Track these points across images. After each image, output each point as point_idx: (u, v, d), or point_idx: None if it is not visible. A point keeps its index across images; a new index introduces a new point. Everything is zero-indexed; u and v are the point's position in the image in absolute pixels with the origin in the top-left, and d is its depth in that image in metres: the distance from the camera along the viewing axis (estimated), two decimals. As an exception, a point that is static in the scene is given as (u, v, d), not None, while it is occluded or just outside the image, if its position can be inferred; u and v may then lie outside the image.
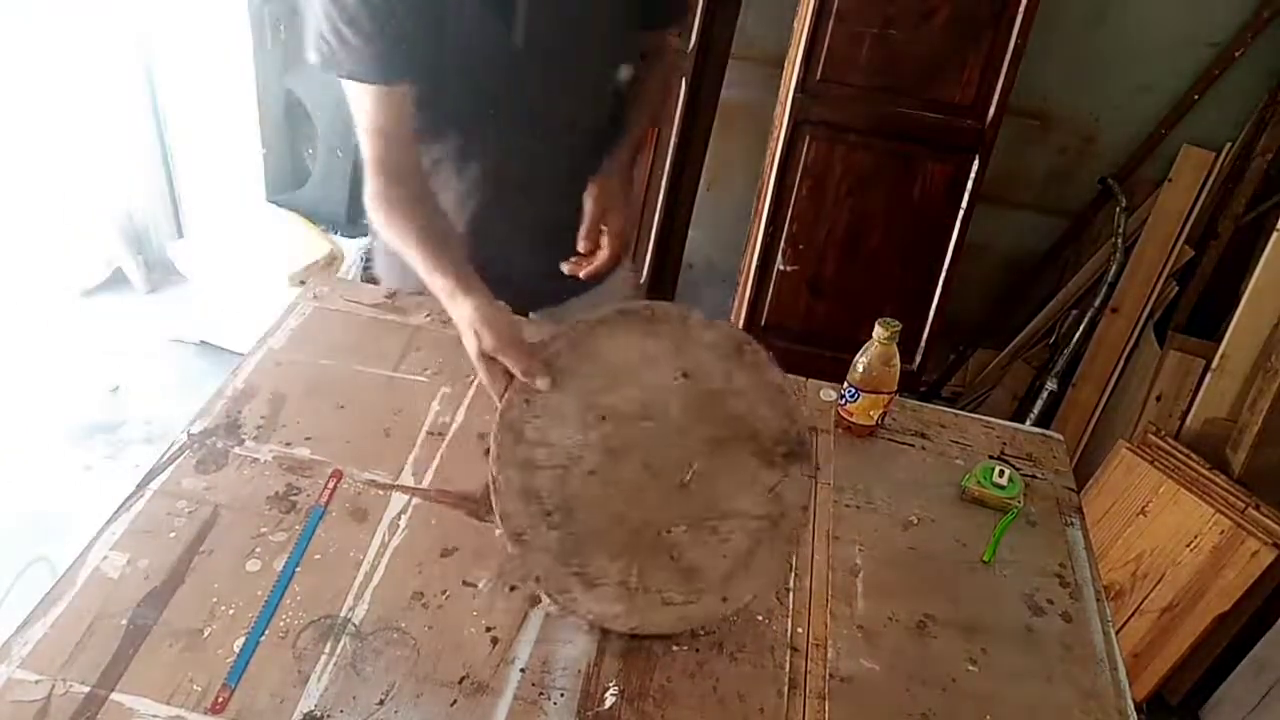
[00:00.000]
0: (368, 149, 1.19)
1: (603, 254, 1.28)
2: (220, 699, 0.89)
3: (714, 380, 1.03)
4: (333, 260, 2.76)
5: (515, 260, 1.35)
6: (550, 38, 1.19)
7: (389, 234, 1.20)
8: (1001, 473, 1.23)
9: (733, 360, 1.04)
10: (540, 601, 1.01)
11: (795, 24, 2.26)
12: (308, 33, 1.15)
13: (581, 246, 1.27)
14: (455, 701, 0.92)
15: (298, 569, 1.02)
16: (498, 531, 0.98)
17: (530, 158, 1.32)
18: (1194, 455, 2.21)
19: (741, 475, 1.02)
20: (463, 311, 1.07)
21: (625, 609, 0.95)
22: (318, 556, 1.04)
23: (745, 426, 1.03)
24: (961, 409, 1.55)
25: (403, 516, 1.10)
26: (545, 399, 1.00)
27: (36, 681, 0.89)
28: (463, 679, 0.94)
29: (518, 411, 1.00)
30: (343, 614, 0.98)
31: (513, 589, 1.03)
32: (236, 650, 0.93)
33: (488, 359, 1.03)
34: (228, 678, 0.91)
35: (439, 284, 1.12)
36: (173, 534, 1.04)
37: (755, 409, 1.04)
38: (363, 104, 1.17)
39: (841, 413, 1.31)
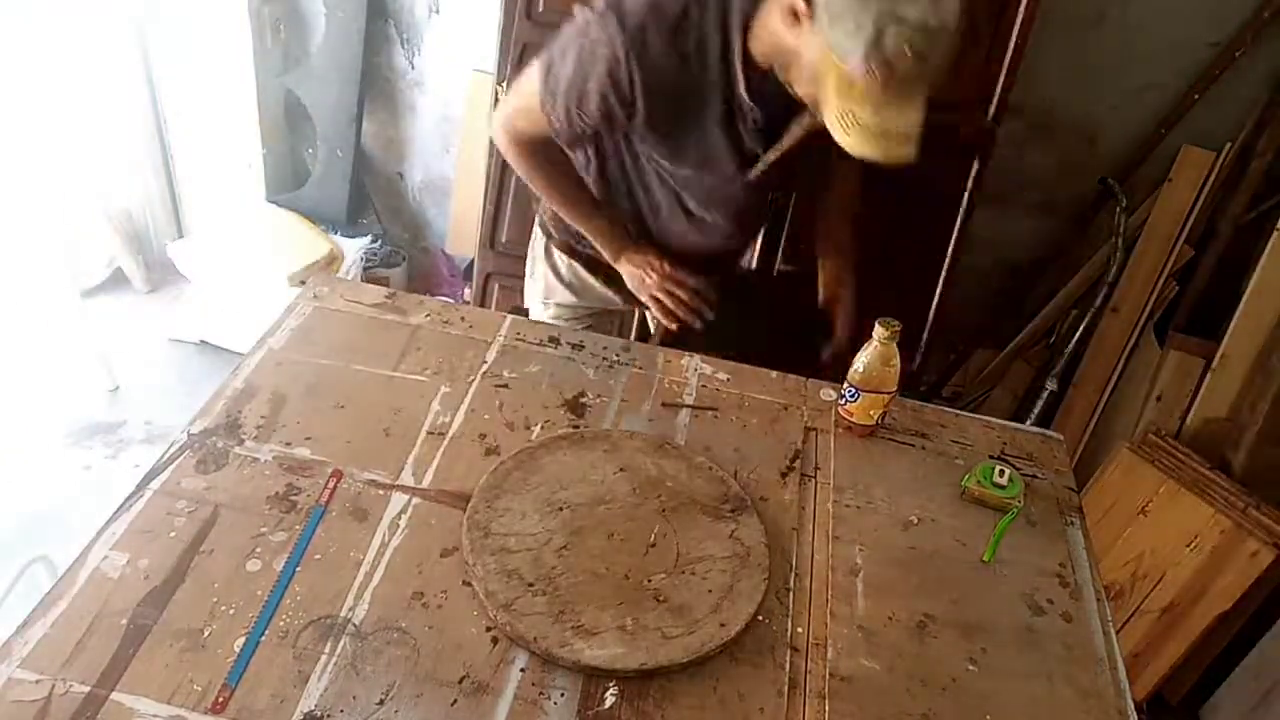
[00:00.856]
0: (513, 114, 1.34)
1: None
2: (220, 699, 0.89)
3: (649, 470, 1.20)
4: (333, 260, 2.76)
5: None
6: (775, 178, 1.31)
7: (525, 177, 1.40)
8: (1002, 473, 1.23)
9: (659, 454, 1.23)
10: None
11: (795, 24, 2.26)
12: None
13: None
14: (455, 701, 0.92)
15: (298, 569, 1.02)
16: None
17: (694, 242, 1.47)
18: (1194, 455, 2.20)
19: (700, 530, 1.13)
20: (631, 255, 1.44)
21: (628, 650, 0.97)
22: (318, 556, 1.04)
23: (688, 496, 1.17)
24: (961, 409, 1.55)
25: (403, 516, 1.10)
26: (506, 502, 1.12)
27: (37, 681, 0.89)
28: (463, 679, 0.94)
29: (482, 514, 1.10)
30: (343, 614, 0.98)
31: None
32: (237, 650, 0.93)
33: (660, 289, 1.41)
34: (228, 678, 0.91)
35: (593, 232, 1.44)
36: (173, 534, 1.04)
37: (692, 483, 1.19)
38: (528, 106, 1.28)
39: (841, 413, 1.31)
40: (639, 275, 1.45)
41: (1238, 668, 2.11)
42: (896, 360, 1.25)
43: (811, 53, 1.07)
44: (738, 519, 1.14)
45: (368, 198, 3.05)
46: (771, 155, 1.26)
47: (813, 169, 1.42)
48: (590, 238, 1.46)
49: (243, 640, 0.94)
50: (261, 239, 2.80)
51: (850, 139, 1.06)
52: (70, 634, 0.93)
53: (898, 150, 1.07)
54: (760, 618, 1.04)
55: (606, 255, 1.47)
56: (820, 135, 1.16)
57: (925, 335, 2.35)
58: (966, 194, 2.23)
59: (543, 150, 1.35)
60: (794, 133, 1.24)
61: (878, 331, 1.23)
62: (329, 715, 0.89)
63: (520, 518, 1.10)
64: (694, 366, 1.39)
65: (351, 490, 1.13)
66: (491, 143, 2.61)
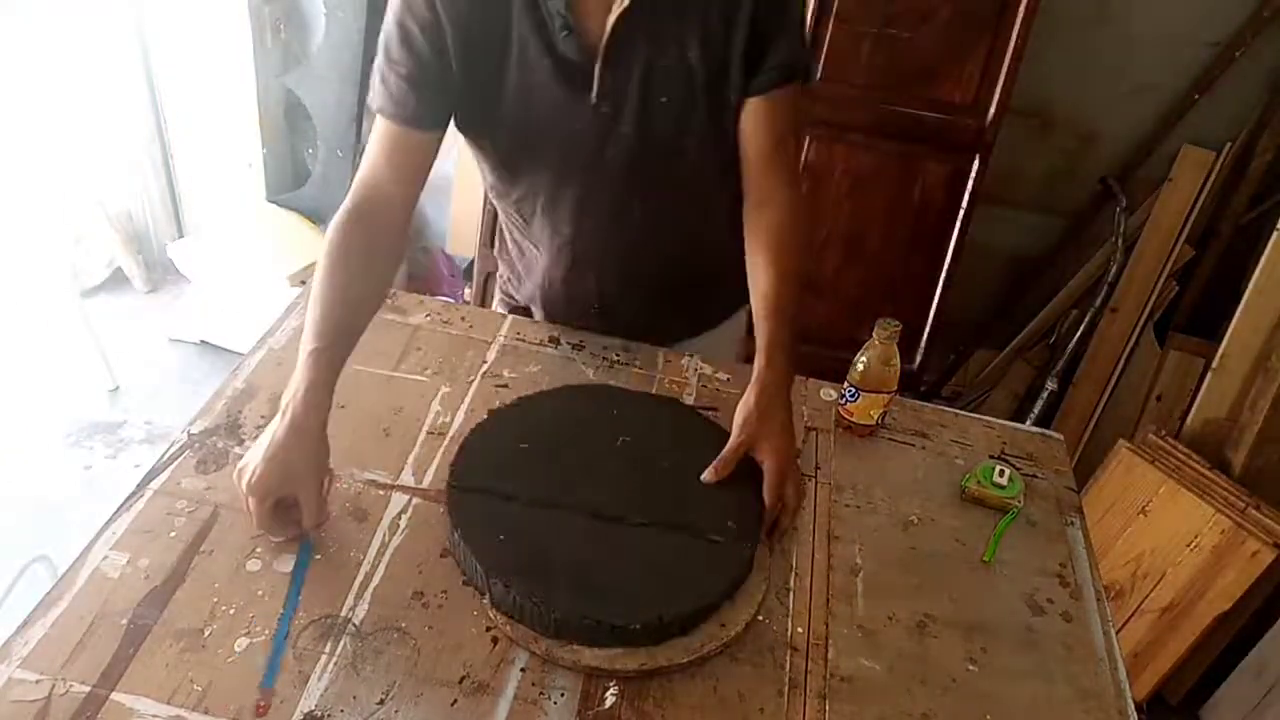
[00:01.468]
0: (358, 175, 1.17)
1: (777, 512, 1.13)
2: (261, 704, 0.89)
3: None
4: (333, 260, 2.75)
5: (618, 306, 1.37)
6: (627, 102, 1.13)
7: (320, 260, 1.11)
8: (1002, 472, 1.23)
9: None
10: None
11: (795, 24, 2.26)
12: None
13: (708, 476, 1.12)
14: (455, 701, 0.92)
15: (307, 569, 1.02)
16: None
17: (621, 226, 1.27)
18: (1194, 455, 2.21)
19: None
20: (290, 397, 1.02)
21: (627, 650, 0.97)
22: (318, 556, 1.04)
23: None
24: (961, 409, 1.55)
25: (403, 516, 1.10)
26: None
27: (37, 681, 0.89)
28: (463, 679, 0.94)
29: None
30: (343, 614, 0.98)
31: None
32: (238, 650, 0.93)
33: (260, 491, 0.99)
34: (262, 682, 0.91)
35: (305, 345, 1.04)
36: (173, 534, 1.04)
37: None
38: (378, 134, 1.16)
39: (841, 413, 1.31)
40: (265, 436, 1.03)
41: (1238, 668, 2.11)
42: (896, 360, 1.25)
43: None
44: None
45: (368, 198, 3.05)
46: (599, 65, 1.10)
47: (697, 126, 1.17)
48: (306, 346, 1.06)
49: (244, 640, 0.94)
50: (262, 239, 2.80)
51: None
52: (70, 634, 0.93)
53: None
54: (760, 618, 1.04)
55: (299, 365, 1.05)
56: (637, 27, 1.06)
57: (925, 335, 2.35)
58: (966, 194, 2.24)
59: (374, 226, 1.14)
60: (608, 21, 1.08)
61: (877, 332, 1.23)
62: (329, 715, 0.89)
63: None
64: (694, 366, 1.39)
65: (351, 490, 1.13)
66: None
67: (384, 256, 1.17)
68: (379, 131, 1.15)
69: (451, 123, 1.19)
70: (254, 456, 1.01)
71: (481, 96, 1.15)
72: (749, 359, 1.23)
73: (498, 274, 1.54)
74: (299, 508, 1.02)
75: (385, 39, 1.12)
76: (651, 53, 1.11)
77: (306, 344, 1.04)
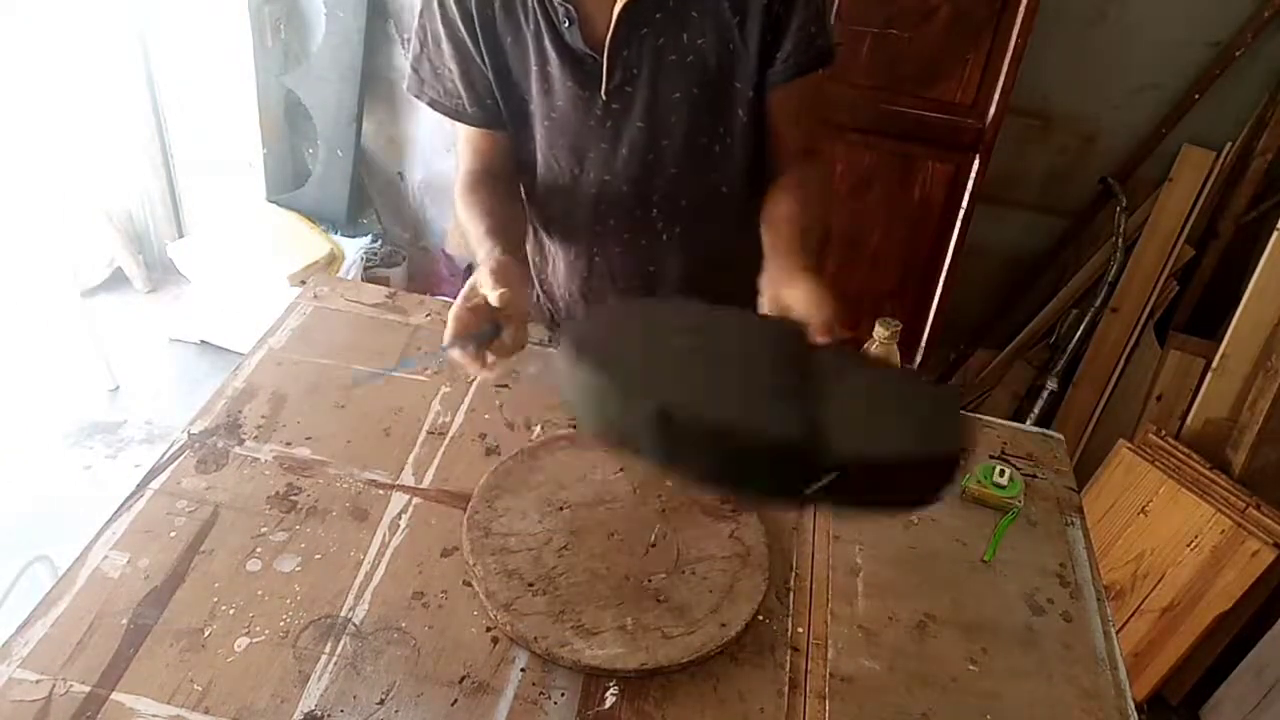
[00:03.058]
0: (459, 160, 1.25)
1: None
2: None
3: (648, 472, 1.17)
4: (333, 260, 2.76)
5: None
6: (637, 95, 1.12)
7: (461, 210, 1.19)
8: (1002, 472, 1.23)
9: None
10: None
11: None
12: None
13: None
14: (456, 701, 0.92)
15: (296, 567, 1.02)
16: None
17: (631, 218, 1.24)
18: (1194, 455, 2.21)
19: (700, 530, 1.12)
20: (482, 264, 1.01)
21: (628, 650, 0.97)
22: (318, 556, 1.04)
23: (688, 495, 1.15)
24: (961, 409, 1.55)
25: (403, 516, 1.10)
26: (506, 502, 1.11)
27: (37, 681, 0.89)
28: (463, 678, 0.94)
29: (482, 514, 1.10)
30: (343, 614, 0.98)
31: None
32: (237, 650, 0.94)
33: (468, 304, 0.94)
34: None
35: (478, 254, 1.07)
36: (173, 534, 1.04)
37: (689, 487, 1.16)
38: (459, 140, 1.23)
39: None
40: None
41: (1238, 668, 2.11)
42: (897, 359, 1.25)
43: None
44: (738, 519, 1.14)
45: (368, 197, 3.05)
46: (605, 58, 1.10)
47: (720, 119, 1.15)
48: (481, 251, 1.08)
49: (245, 640, 0.94)
50: (262, 239, 2.80)
51: None
52: (70, 634, 0.93)
53: None
54: (760, 617, 1.04)
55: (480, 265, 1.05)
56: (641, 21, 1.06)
57: (925, 335, 2.35)
58: (967, 194, 2.24)
59: (487, 190, 1.19)
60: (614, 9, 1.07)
61: (878, 332, 1.23)
62: (329, 715, 0.89)
63: (520, 518, 1.10)
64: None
65: (351, 490, 1.13)
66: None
67: (504, 182, 1.24)
68: (459, 138, 1.23)
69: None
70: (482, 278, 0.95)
71: (511, 91, 1.16)
72: None
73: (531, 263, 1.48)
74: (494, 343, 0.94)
75: (431, 35, 1.14)
76: (661, 45, 1.10)
77: (479, 252, 1.07)
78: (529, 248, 1.41)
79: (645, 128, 1.15)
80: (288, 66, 2.86)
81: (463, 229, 1.17)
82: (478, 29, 1.11)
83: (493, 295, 0.92)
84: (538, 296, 1.46)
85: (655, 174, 1.19)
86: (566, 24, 1.08)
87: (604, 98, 1.13)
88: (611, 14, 1.07)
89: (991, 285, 2.77)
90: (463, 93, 1.17)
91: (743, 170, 1.21)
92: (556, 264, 1.36)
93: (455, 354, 0.95)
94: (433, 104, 1.19)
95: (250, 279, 2.69)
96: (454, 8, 1.10)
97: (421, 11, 1.14)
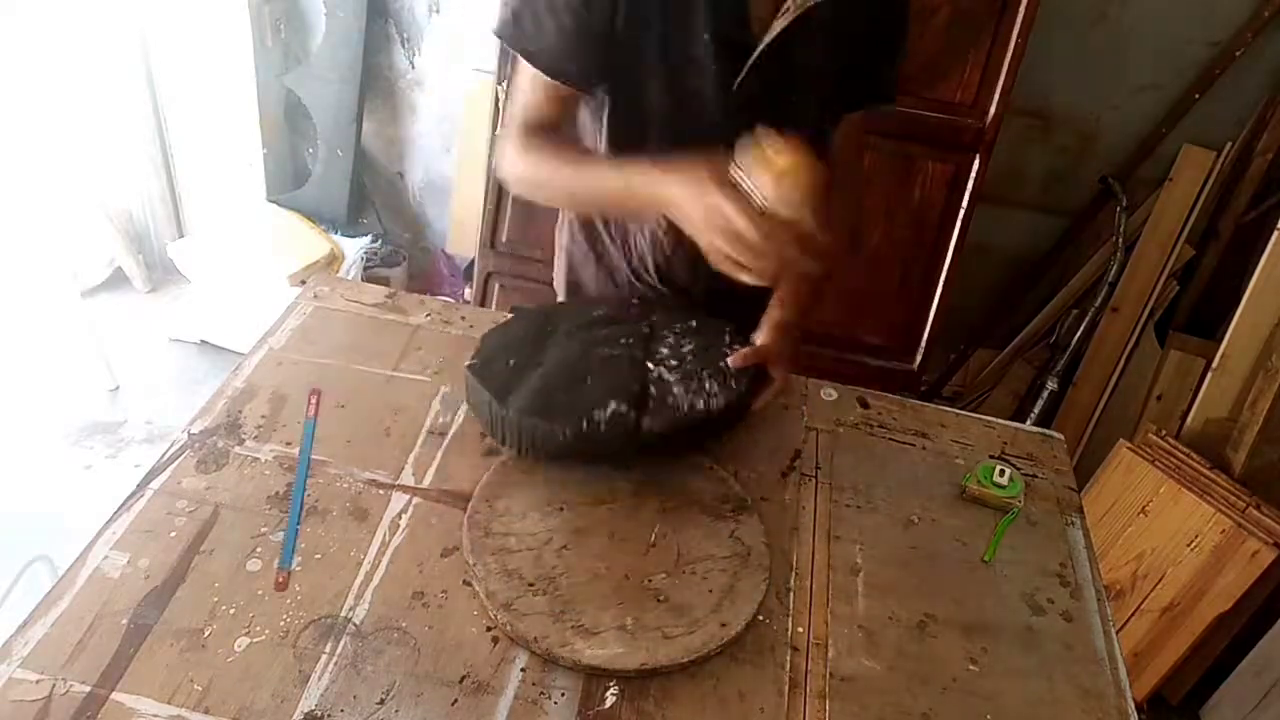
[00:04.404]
0: (518, 112, 1.19)
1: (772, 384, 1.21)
2: (280, 579, 0.99)
3: (652, 472, 1.19)
4: (333, 260, 2.76)
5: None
6: (767, 94, 1.14)
7: (530, 181, 1.18)
8: (1002, 472, 1.23)
9: None
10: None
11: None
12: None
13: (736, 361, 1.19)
14: (456, 701, 0.92)
15: (296, 566, 1.03)
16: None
17: None
18: (1194, 455, 2.21)
19: (700, 530, 1.13)
20: (679, 191, 1.00)
21: (628, 650, 0.97)
22: (318, 556, 1.04)
23: (688, 496, 1.16)
24: (962, 409, 1.55)
25: (403, 516, 1.10)
26: (506, 502, 1.12)
27: (37, 681, 0.89)
28: (463, 678, 0.94)
29: (482, 514, 1.10)
30: (343, 614, 0.98)
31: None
32: (238, 650, 0.94)
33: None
34: (280, 562, 1.01)
35: (620, 185, 1.09)
36: (173, 534, 1.04)
37: (692, 483, 1.18)
38: (528, 81, 1.17)
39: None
40: (705, 203, 0.97)
41: (1238, 668, 2.11)
42: (804, 175, 0.97)
43: None
44: (738, 519, 1.14)
45: (368, 197, 3.06)
46: (767, 34, 1.10)
47: (811, 106, 1.20)
48: (626, 195, 1.11)
49: (245, 640, 0.94)
50: (262, 239, 2.80)
51: None
52: (70, 634, 0.93)
53: None
54: (761, 617, 1.04)
55: (653, 192, 1.06)
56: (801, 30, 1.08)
57: (925, 335, 2.35)
58: (967, 194, 2.24)
59: (555, 139, 1.19)
60: (778, 20, 1.09)
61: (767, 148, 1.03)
62: (329, 715, 0.89)
63: (520, 518, 1.10)
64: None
65: (351, 490, 1.13)
66: (492, 143, 2.59)
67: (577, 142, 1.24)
68: (528, 89, 1.16)
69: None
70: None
71: (640, 57, 1.13)
72: None
73: (565, 250, 1.48)
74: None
75: None
76: (801, 55, 1.13)
77: (618, 175, 1.08)
78: (588, 228, 1.40)
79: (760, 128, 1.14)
80: (288, 66, 2.86)
81: (547, 170, 1.16)
82: None
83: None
84: (601, 268, 1.43)
85: None
86: (733, 9, 1.08)
87: (733, 91, 1.13)
88: (770, 21, 1.09)
89: (991, 285, 2.77)
90: (563, 48, 1.12)
91: None
92: (635, 238, 1.34)
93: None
94: (529, 55, 1.14)
95: (250, 279, 2.69)
96: None
97: None
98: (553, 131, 1.20)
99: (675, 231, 1.25)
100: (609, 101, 1.20)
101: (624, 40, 1.12)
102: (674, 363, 1.19)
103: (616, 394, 1.12)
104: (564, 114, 1.22)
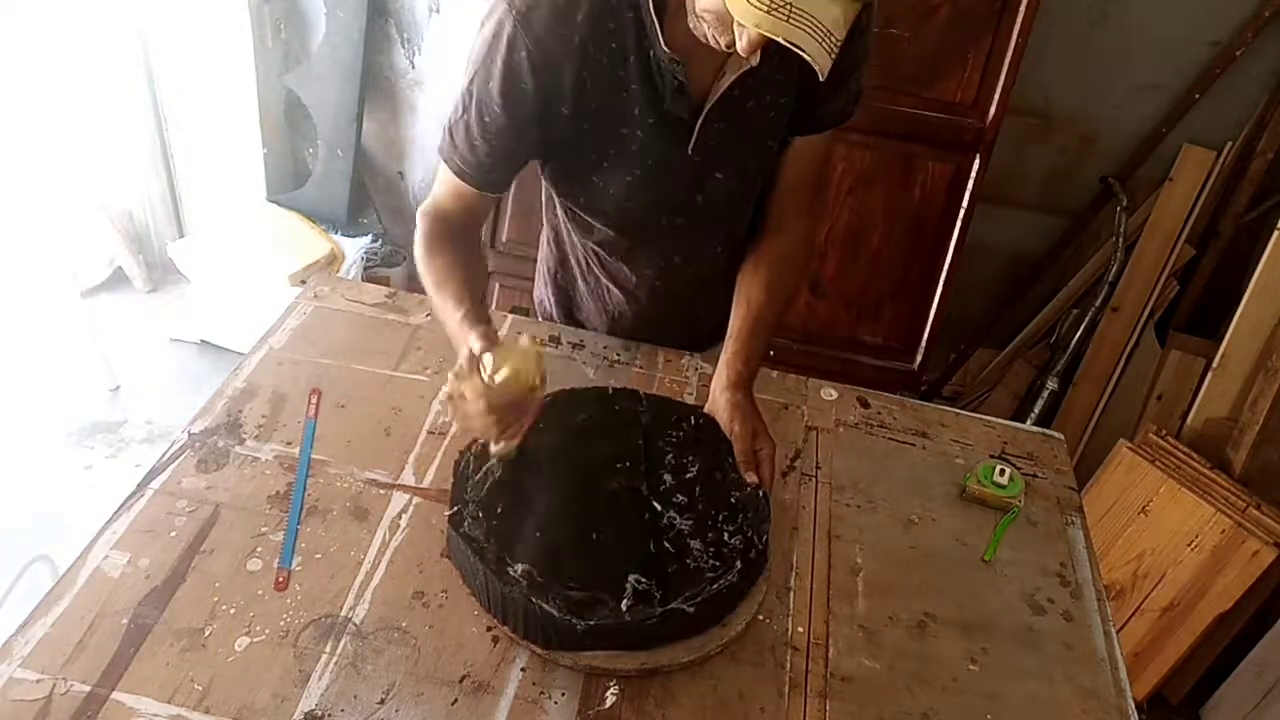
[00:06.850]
0: (434, 205, 1.24)
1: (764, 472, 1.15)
2: (280, 579, 1.00)
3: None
4: (333, 260, 2.76)
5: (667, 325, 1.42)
6: (723, 145, 1.17)
7: (420, 274, 1.22)
8: (1002, 472, 1.23)
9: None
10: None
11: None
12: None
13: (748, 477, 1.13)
14: (456, 700, 0.92)
15: (297, 566, 1.03)
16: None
17: (689, 255, 1.32)
18: (1194, 455, 2.21)
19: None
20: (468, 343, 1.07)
21: (626, 650, 0.97)
22: (318, 556, 1.04)
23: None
24: (962, 409, 1.55)
25: (403, 516, 1.10)
26: None
27: (37, 680, 0.89)
28: (463, 678, 0.94)
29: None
30: (343, 613, 0.98)
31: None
32: (238, 649, 0.94)
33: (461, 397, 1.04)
34: (280, 562, 1.03)
35: (449, 324, 1.13)
36: (173, 533, 1.04)
37: None
38: (450, 185, 1.21)
39: None
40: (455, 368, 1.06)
41: (1238, 668, 2.11)
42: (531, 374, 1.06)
43: None
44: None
45: (368, 197, 3.05)
46: (709, 104, 1.12)
47: (759, 161, 1.24)
48: (450, 332, 1.15)
49: (245, 640, 0.94)
50: (262, 239, 2.80)
51: (754, 16, 0.85)
52: (71, 633, 0.93)
53: (807, 37, 0.85)
54: (761, 617, 1.04)
55: (455, 343, 1.12)
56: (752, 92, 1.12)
57: (925, 335, 2.35)
58: (967, 194, 2.24)
59: (450, 241, 1.22)
60: (720, 82, 1.11)
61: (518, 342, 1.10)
62: (330, 715, 0.89)
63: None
64: (694, 366, 1.39)
65: (352, 490, 1.13)
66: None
67: (473, 245, 1.28)
68: (451, 185, 1.21)
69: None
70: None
71: (585, 156, 1.17)
72: None
73: (535, 293, 1.56)
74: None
75: (478, 104, 1.12)
76: (753, 105, 1.15)
77: (452, 312, 1.12)
78: (560, 272, 1.46)
79: (726, 177, 1.21)
80: (288, 66, 2.86)
81: (432, 273, 1.20)
82: (568, 92, 1.09)
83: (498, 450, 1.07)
84: (550, 306, 1.50)
85: (730, 211, 1.28)
86: (674, 84, 1.09)
87: (689, 152, 1.17)
88: (713, 84, 1.11)
89: (991, 285, 2.77)
90: (490, 164, 1.16)
91: (752, 201, 1.30)
92: (608, 290, 1.39)
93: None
94: (459, 173, 1.18)
95: (250, 279, 2.69)
96: (528, 79, 1.08)
97: (474, 78, 1.11)
98: (460, 225, 1.24)
99: (639, 303, 1.37)
100: (563, 190, 1.26)
101: (570, 141, 1.15)
102: (681, 498, 1.10)
103: (631, 560, 1.01)
104: (478, 210, 1.25)
